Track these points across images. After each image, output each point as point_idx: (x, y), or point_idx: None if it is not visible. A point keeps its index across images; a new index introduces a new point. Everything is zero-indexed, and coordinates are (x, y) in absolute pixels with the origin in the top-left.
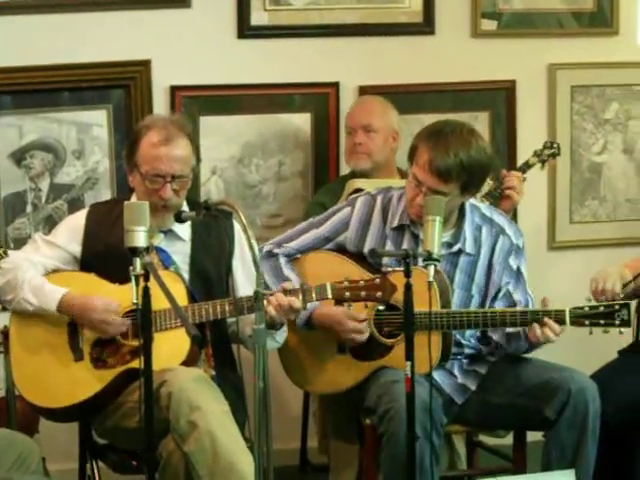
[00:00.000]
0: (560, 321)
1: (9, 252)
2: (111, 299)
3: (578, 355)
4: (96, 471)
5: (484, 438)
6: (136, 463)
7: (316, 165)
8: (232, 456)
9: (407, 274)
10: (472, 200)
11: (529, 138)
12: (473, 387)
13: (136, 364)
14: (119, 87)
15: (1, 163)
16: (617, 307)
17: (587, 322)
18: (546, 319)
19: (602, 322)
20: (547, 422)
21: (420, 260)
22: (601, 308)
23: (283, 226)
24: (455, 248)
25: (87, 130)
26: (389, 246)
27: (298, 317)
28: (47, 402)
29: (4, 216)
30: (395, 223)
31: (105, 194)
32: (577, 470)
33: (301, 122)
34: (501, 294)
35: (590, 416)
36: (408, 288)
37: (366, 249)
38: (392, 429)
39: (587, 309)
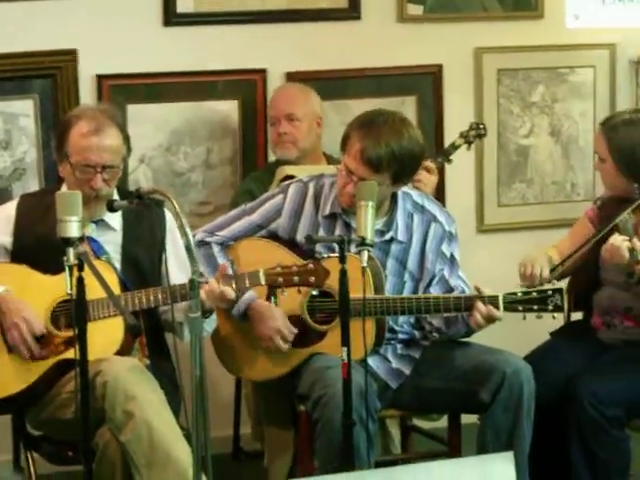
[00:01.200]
0: (494, 306)
1: None
2: (40, 321)
3: (510, 338)
4: (31, 462)
5: (418, 422)
6: (72, 454)
7: (244, 152)
8: (169, 445)
9: (342, 260)
10: (404, 188)
11: (456, 122)
12: (407, 372)
13: (70, 355)
14: (45, 77)
15: None
16: (550, 292)
17: (520, 308)
18: (480, 304)
19: (535, 307)
20: (482, 405)
21: (353, 246)
22: (534, 294)
23: (212, 214)
24: (387, 236)
25: (14, 120)
26: (321, 234)
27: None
28: None
29: None
30: (327, 211)
31: (33, 184)
32: (513, 452)
33: (229, 109)
34: (436, 280)
35: (525, 398)
36: (343, 274)
37: (299, 236)
38: (327, 415)
39: (520, 295)
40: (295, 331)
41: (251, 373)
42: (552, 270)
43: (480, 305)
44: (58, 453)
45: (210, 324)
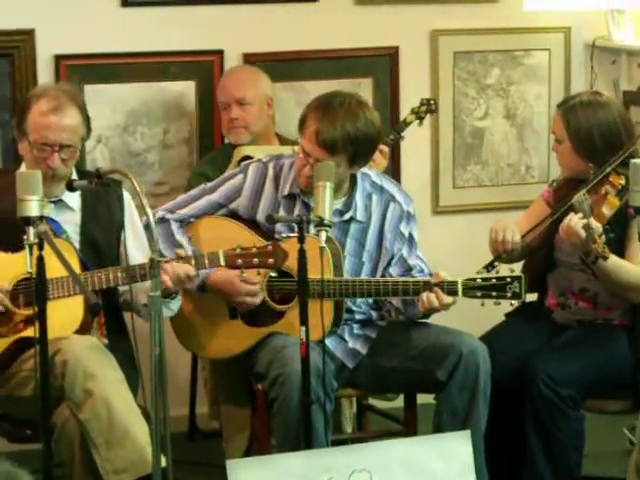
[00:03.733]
0: (452, 292)
1: None
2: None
3: (467, 318)
4: None
5: (374, 402)
6: (31, 432)
7: (201, 133)
8: (127, 424)
9: (301, 240)
10: (363, 169)
11: (412, 104)
12: (364, 351)
13: (29, 333)
14: (3, 56)
15: None
16: (509, 280)
17: (479, 294)
18: (437, 290)
19: (494, 294)
20: (438, 384)
21: (312, 227)
22: (493, 280)
23: (168, 194)
24: (347, 216)
25: None
26: (282, 213)
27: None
28: None
29: None
30: (286, 191)
31: None
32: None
33: (185, 90)
34: (395, 260)
35: (481, 377)
36: (302, 254)
37: (259, 216)
38: (283, 394)
39: (479, 281)
40: (256, 280)
41: (209, 351)
42: (522, 237)
43: (434, 291)
44: (16, 432)
45: (176, 303)
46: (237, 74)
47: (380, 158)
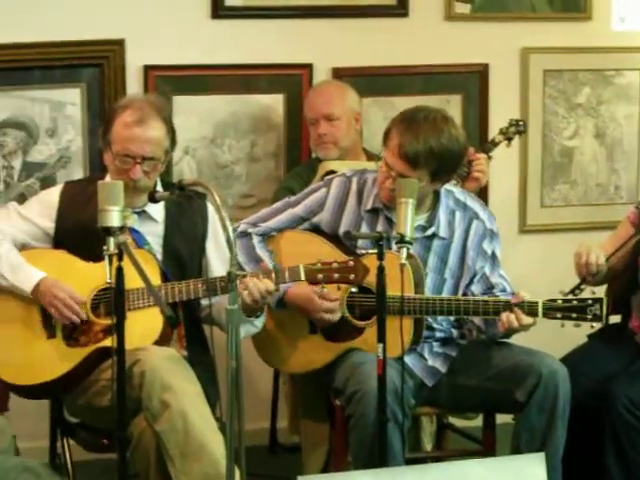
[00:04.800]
0: (532, 312)
1: None
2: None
3: (548, 339)
4: (67, 449)
5: (454, 420)
6: (107, 441)
7: (288, 146)
8: (203, 436)
9: (380, 257)
10: (446, 185)
11: (501, 122)
12: (443, 370)
13: (108, 343)
14: (93, 66)
15: None
16: (590, 302)
17: (559, 315)
18: (517, 310)
19: (574, 316)
20: (517, 405)
21: (393, 243)
22: (574, 302)
23: (255, 207)
24: (429, 232)
25: (60, 108)
26: (364, 228)
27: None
28: (18, 379)
29: None
30: (369, 206)
31: (77, 173)
32: (547, 453)
33: (274, 103)
34: (477, 277)
35: (560, 399)
36: (380, 271)
37: (341, 231)
38: (360, 411)
39: (560, 302)
40: (336, 297)
41: (288, 365)
42: (607, 260)
43: (515, 311)
44: (93, 441)
45: (260, 320)
46: (325, 89)
47: (485, 170)
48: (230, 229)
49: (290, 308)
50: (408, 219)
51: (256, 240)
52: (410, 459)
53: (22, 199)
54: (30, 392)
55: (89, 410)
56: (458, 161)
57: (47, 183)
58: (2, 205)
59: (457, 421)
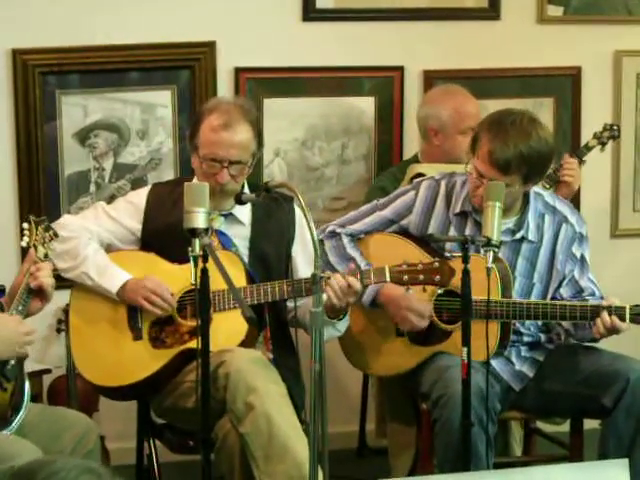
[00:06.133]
0: (620, 317)
1: (66, 216)
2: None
3: (636, 344)
4: (153, 450)
5: (541, 425)
6: (193, 443)
7: (379, 149)
8: (287, 439)
9: (465, 260)
10: (535, 188)
11: (594, 125)
12: (531, 374)
13: (194, 344)
14: (184, 68)
15: (66, 142)
16: None
17: None
18: (605, 315)
19: None
20: (604, 410)
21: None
22: None
23: (345, 209)
24: (518, 235)
25: (151, 110)
26: (452, 231)
27: (362, 296)
28: (106, 381)
29: (67, 195)
30: (458, 209)
31: (168, 175)
32: (634, 460)
33: (365, 106)
34: (566, 281)
35: None
36: (465, 274)
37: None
38: (445, 415)
39: None
40: (430, 307)
41: (375, 368)
42: None
43: (605, 316)
44: (179, 442)
45: (343, 324)
46: (470, 96)
47: (576, 175)
48: (315, 232)
49: (382, 307)
50: (495, 222)
51: (346, 240)
52: (498, 464)
53: (112, 200)
54: (117, 394)
55: (175, 411)
56: (548, 162)
57: (138, 184)
58: (91, 204)
59: (545, 426)
